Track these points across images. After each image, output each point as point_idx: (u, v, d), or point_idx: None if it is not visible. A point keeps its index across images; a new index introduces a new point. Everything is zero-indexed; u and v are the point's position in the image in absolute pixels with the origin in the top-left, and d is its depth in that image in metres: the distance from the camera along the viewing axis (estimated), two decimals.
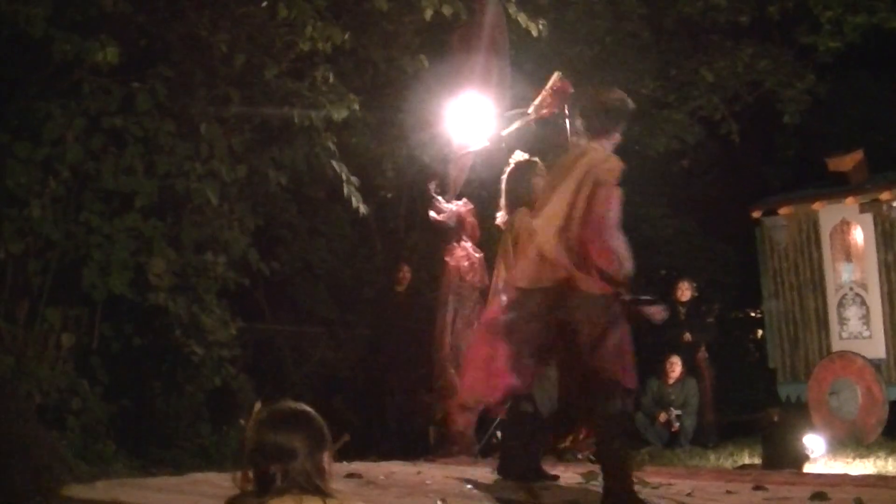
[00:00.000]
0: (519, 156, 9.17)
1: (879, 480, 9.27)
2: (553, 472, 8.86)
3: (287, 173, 11.90)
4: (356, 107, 11.47)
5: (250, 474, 3.64)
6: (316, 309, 17.00)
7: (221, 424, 11.36)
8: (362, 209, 11.87)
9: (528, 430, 8.57)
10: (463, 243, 12.01)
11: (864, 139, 16.50)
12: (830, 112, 19.39)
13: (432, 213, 12.09)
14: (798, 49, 17.82)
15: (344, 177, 11.61)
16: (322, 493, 3.58)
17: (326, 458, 3.65)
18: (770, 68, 17.50)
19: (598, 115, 7.27)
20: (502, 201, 9.08)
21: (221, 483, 8.29)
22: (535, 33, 11.88)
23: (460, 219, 12.05)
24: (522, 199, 8.79)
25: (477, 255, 12.02)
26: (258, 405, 3.77)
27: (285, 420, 3.66)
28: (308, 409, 3.73)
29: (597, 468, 8.96)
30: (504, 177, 9.11)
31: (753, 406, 15.99)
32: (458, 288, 11.95)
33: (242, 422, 10.89)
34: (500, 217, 9.13)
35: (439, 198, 12.11)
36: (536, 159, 9.14)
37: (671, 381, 14.42)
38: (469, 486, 8.47)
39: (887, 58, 19.78)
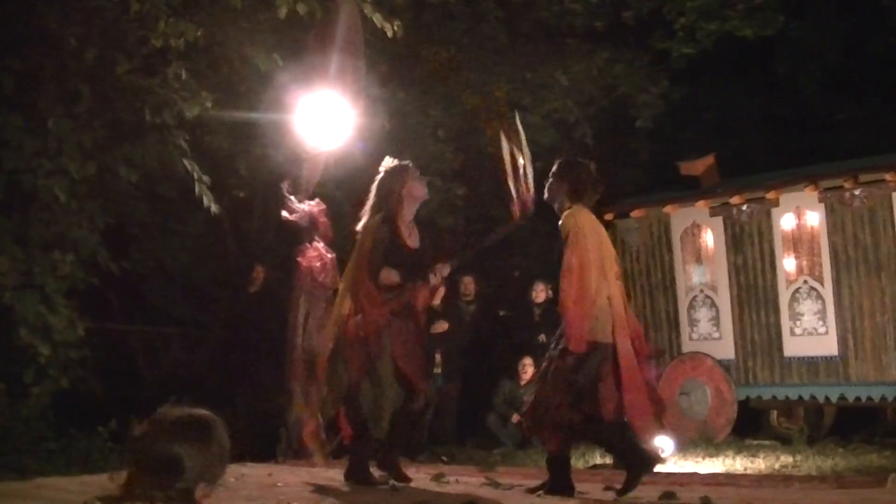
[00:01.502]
0: (389, 161, 9.04)
1: (728, 479, 9.43)
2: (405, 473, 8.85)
3: (139, 171, 11.68)
4: (209, 105, 11.30)
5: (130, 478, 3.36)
6: (169, 309, 16.79)
7: (68, 427, 11.11)
8: (214, 208, 11.70)
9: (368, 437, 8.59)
10: (315, 244, 11.94)
11: (715, 144, 16.76)
12: (683, 117, 19.67)
13: (285, 213, 12.00)
14: (652, 54, 18.04)
15: (196, 175, 11.43)
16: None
17: (203, 486, 3.40)
18: (624, 73, 17.69)
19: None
20: (369, 206, 8.87)
21: (67, 487, 8.14)
22: (389, 34, 11.83)
23: (313, 219, 11.96)
24: (392, 203, 8.69)
25: (329, 255, 11.95)
26: (167, 406, 3.48)
27: (184, 432, 3.40)
28: (215, 421, 3.50)
29: (445, 469, 9.05)
30: (376, 182, 8.92)
31: None
32: (311, 288, 11.87)
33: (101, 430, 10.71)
34: (363, 221, 8.92)
35: (292, 197, 12.01)
36: (409, 162, 9.04)
37: (524, 383, 14.46)
38: (320, 489, 8.42)
39: (739, 64, 20.14)
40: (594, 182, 8.11)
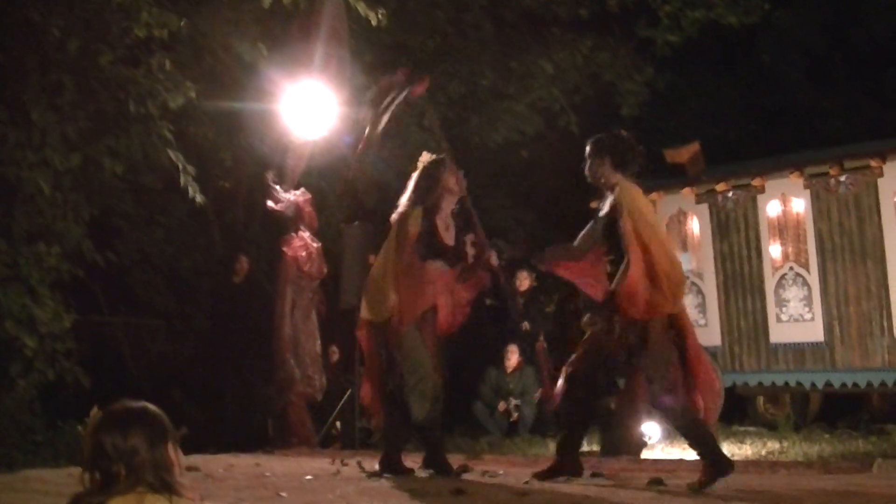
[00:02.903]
0: (426, 156, 8.88)
1: None
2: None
3: (123, 162, 11.62)
4: (193, 95, 11.26)
5: (96, 475, 3.58)
6: (154, 301, 16.76)
7: (55, 420, 11.08)
8: (199, 199, 11.67)
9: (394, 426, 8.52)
10: (301, 233, 11.94)
11: (700, 131, 16.76)
12: (668, 105, 19.67)
13: (270, 203, 11.99)
14: (637, 42, 18.02)
15: (180, 166, 11.39)
16: (169, 488, 3.56)
17: (170, 449, 3.62)
18: (609, 61, 17.67)
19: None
20: (405, 198, 8.64)
21: (54, 480, 8.12)
22: (374, 22, 11.81)
23: (298, 209, 11.97)
24: (430, 197, 8.54)
25: (315, 244, 11.96)
26: (95, 409, 3.70)
27: (121, 420, 3.61)
28: (144, 404, 3.69)
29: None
30: (414, 176, 8.71)
31: None
32: (296, 278, 11.88)
33: (80, 429, 10.70)
34: (399, 211, 8.66)
35: (277, 187, 12.01)
36: (445, 156, 8.89)
37: (509, 370, 14.48)
38: (308, 478, 8.40)
39: (724, 52, 20.18)
40: (635, 151, 8.01)
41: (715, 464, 7.50)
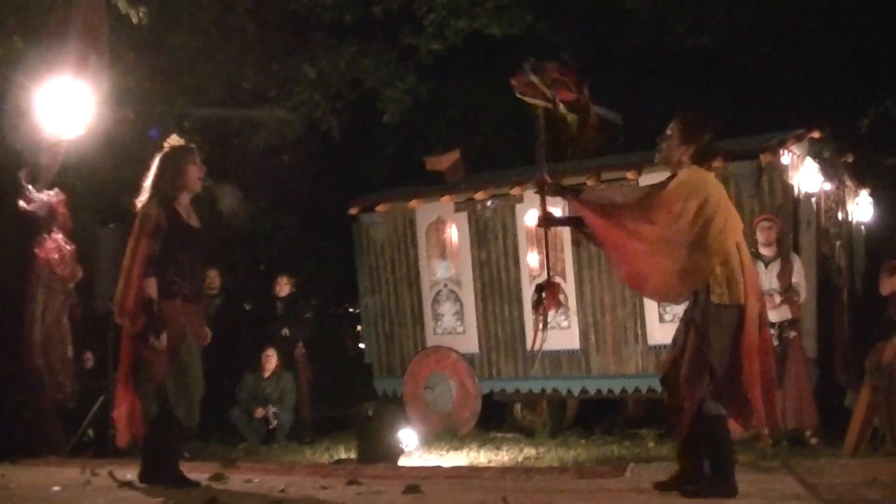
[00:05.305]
0: (175, 140, 8.62)
1: (471, 472, 9.52)
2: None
3: None
4: None
5: None
6: None
7: None
8: None
9: (175, 436, 8.28)
10: (54, 235, 11.64)
11: (461, 140, 16.93)
12: (430, 113, 19.81)
13: (22, 203, 11.64)
14: (401, 50, 18.08)
15: None
16: None
17: None
18: (372, 67, 17.68)
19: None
20: (148, 184, 8.36)
21: None
22: (135, 20, 11.58)
23: (52, 209, 11.66)
24: (173, 184, 8.30)
25: (68, 247, 11.66)
26: None
27: None
28: None
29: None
30: (157, 159, 8.42)
31: (351, 401, 16.21)
32: (48, 281, 11.58)
33: None
34: (141, 200, 8.36)
35: (30, 187, 11.67)
36: (193, 146, 8.67)
37: (267, 375, 14.38)
38: (56, 489, 8.18)
39: (486, 62, 20.40)
40: (714, 143, 7.36)
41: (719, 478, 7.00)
